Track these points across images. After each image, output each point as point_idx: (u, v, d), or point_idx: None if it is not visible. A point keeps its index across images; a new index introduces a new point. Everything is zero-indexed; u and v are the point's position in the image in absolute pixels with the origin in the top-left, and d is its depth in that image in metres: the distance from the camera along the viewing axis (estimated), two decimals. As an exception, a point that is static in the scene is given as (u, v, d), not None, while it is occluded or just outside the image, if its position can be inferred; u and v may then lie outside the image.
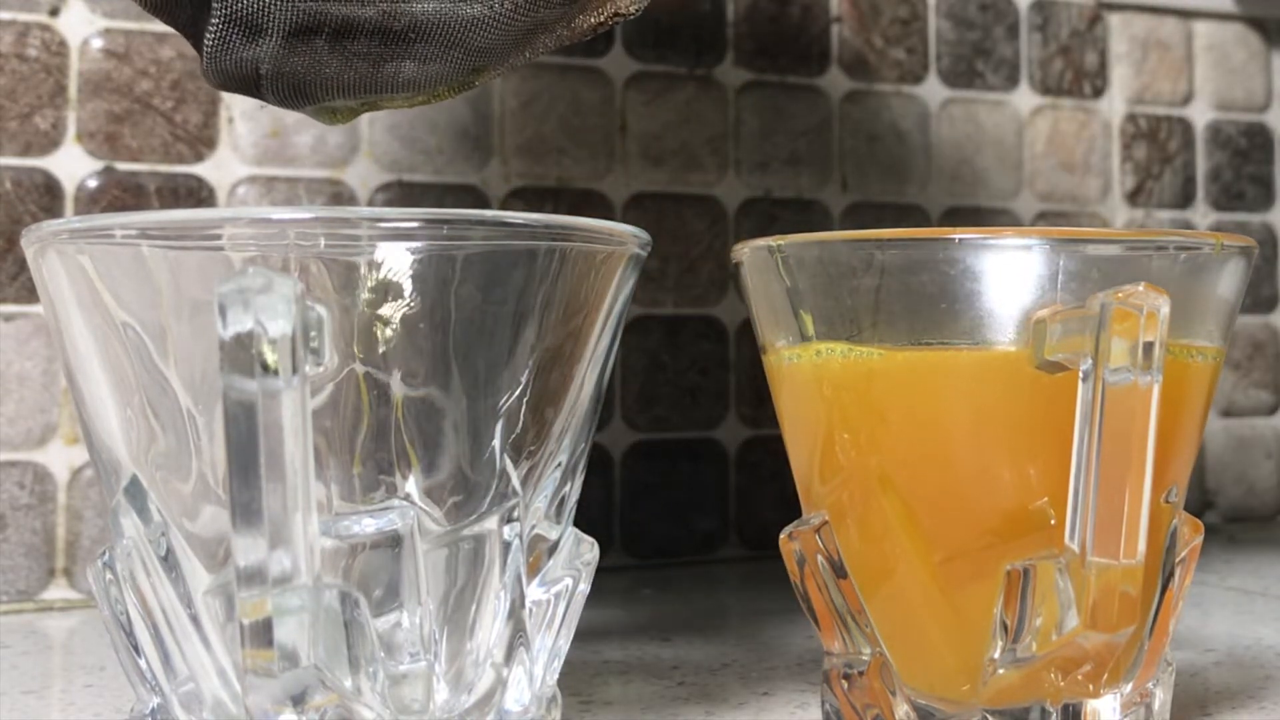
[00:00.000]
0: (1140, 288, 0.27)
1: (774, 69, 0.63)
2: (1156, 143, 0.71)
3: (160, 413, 0.27)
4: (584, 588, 0.30)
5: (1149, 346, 0.27)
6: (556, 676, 0.30)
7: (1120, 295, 0.27)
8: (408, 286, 0.26)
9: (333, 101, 0.32)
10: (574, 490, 0.30)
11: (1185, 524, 0.31)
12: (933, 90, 0.66)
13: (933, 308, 0.29)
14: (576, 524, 0.30)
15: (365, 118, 0.55)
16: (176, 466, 0.27)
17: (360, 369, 0.26)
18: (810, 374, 0.31)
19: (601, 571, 0.31)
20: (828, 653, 0.32)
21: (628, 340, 0.59)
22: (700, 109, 0.62)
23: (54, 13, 0.52)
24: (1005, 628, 0.29)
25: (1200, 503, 0.71)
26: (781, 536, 0.32)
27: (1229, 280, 0.31)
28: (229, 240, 0.26)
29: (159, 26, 0.53)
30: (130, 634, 0.28)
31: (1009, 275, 0.29)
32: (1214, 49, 0.73)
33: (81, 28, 0.52)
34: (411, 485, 0.27)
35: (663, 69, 0.61)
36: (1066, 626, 0.28)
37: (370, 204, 0.55)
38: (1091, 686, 0.29)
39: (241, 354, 0.23)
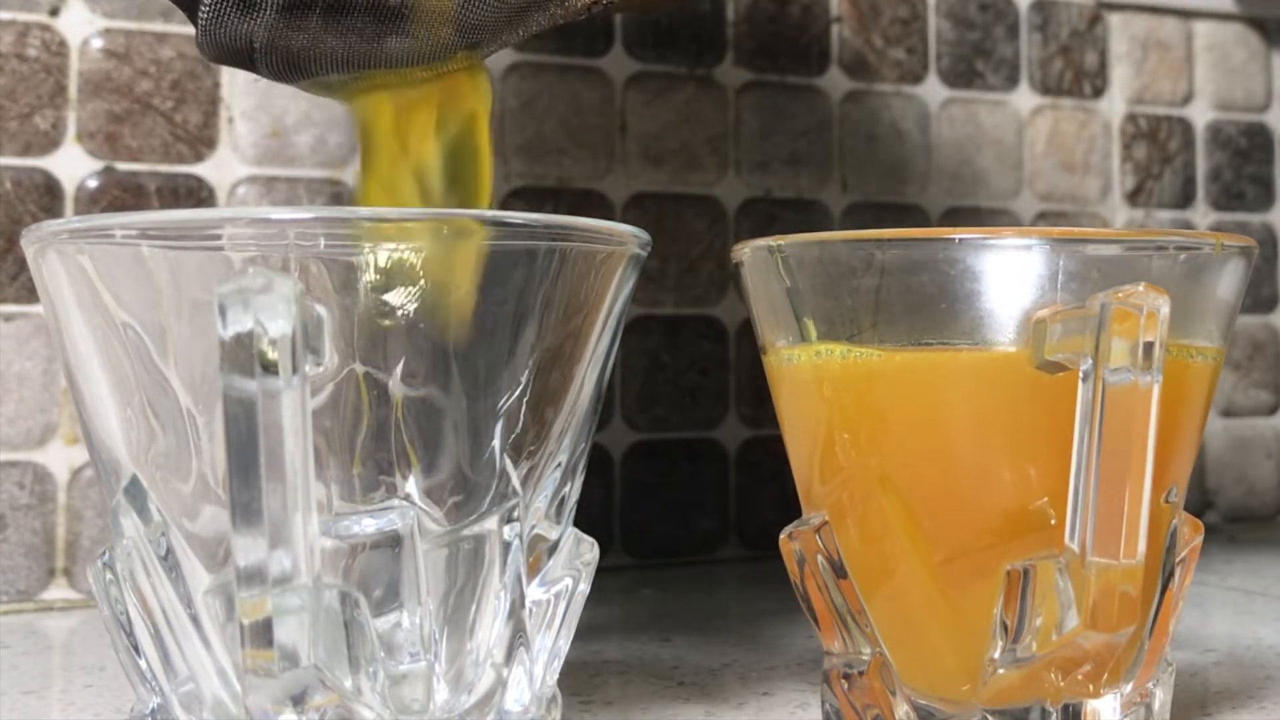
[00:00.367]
0: (1140, 288, 0.27)
1: (774, 69, 0.63)
2: (1156, 143, 0.71)
3: (160, 413, 0.27)
4: (584, 588, 0.30)
5: (1149, 346, 0.27)
6: (556, 676, 0.30)
7: (1120, 295, 0.27)
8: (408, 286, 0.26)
9: (326, 76, 0.32)
10: (574, 490, 0.30)
11: (1185, 524, 0.31)
12: (933, 90, 0.66)
13: (933, 308, 0.29)
14: (576, 524, 0.30)
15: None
16: (176, 466, 0.27)
17: (360, 369, 0.26)
18: (810, 374, 0.31)
19: (601, 571, 0.31)
20: (828, 653, 0.32)
21: (628, 340, 0.59)
22: (700, 109, 0.62)
23: (54, 13, 0.52)
24: (1005, 628, 0.29)
25: (1200, 503, 0.71)
26: (781, 536, 0.32)
27: (1229, 280, 0.31)
28: (229, 240, 0.26)
29: (159, 26, 0.53)
30: (130, 634, 0.28)
31: (1009, 275, 0.29)
32: (1214, 49, 0.73)
33: (81, 28, 0.52)
34: (411, 485, 0.27)
35: (663, 69, 0.61)
36: (1066, 626, 0.28)
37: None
38: (1091, 686, 0.29)
39: (241, 354, 0.23)
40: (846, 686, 0.31)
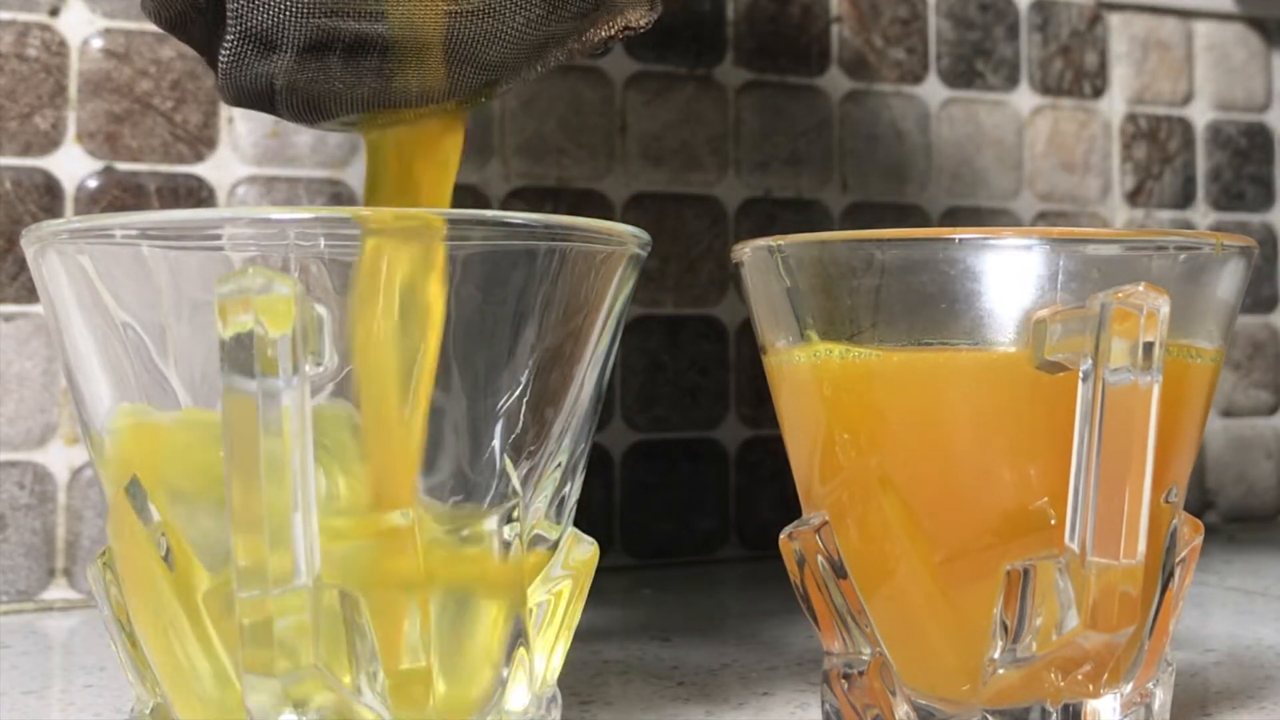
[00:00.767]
0: (1140, 288, 0.27)
1: (774, 69, 0.63)
2: (1156, 143, 0.71)
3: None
4: (584, 588, 0.30)
5: (1149, 346, 0.27)
6: (556, 676, 0.30)
7: (1120, 295, 0.27)
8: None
9: (345, 116, 0.32)
10: (574, 490, 0.30)
11: (1185, 524, 0.31)
12: (933, 90, 0.66)
13: (933, 308, 0.29)
14: (576, 524, 0.30)
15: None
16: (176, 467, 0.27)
17: (363, 367, 0.26)
18: (810, 374, 0.31)
19: (601, 571, 0.31)
20: (828, 653, 0.32)
21: (628, 340, 0.59)
22: (700, 109, 0.62)
23: (54, 13, 0.52)
24: (1005, 628, 0.29)
25: (1200, 503, 0.71)
26: (781, 536, 0.32)
27: (1229, 280, 0.31)
28: (229, 240, 0.26)
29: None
30: (130, 634, 0.28)
31: (1009, 275, 0.29)
32: (1214, 49, 0.73)
33: (81, 28, 0.52)
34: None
35: (663, 69, 0.61)
36: (1066, 626, 0.28)
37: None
38: (1091, 686, 0.29)
39: (241, 354, 0.23)
40: (846, 686, 0.31)
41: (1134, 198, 0.71)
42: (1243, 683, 0.38)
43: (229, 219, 0.26)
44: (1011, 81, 0.68)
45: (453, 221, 0.26)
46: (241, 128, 0.54)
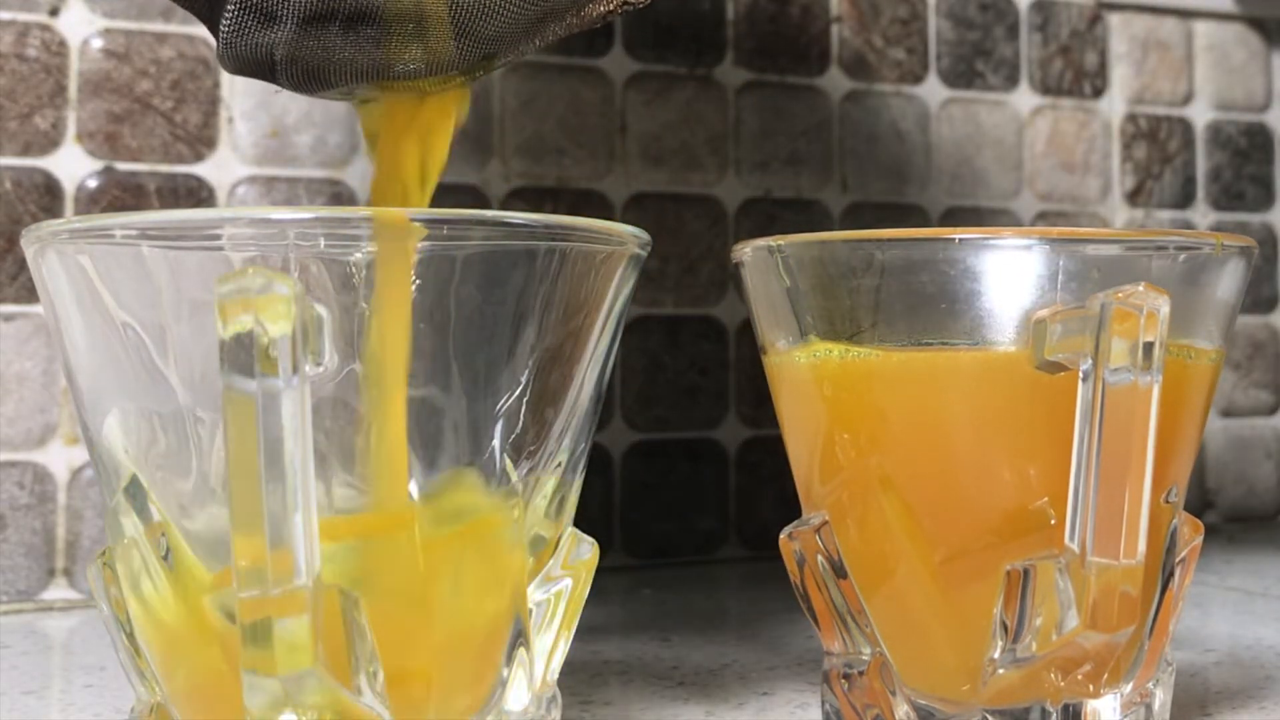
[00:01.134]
0: (1140, 288, 0.27)
1: (774, 69, 0.63)
2: (1156, 143, 0.71)
3: (160, 413, 0.27)
4: (584, 588, 0.30)
5: (1149, 346, 0.27)
6: (556, 676, 0.30)
7: (1120, 295, 0.27)
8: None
9: (345, 86, 0.32)
10: (574, 490, 0.30)
11: (1185, 524, 0.31)
12: (933, 90, 0.66)
13: (933, 308, 0.29)
14: (576, 524, 0.30)
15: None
16: (176, 466, 0.27)
17: (360, 369, 0.26)
18: (810, 374, 0.31)
19: (601, 571, 0.31)
20: (828, 653, 0.32)
21: (628, 340, 0.59)
22: (700, 109, 0.62)
23: (54, 13, 0.52)
24: (1005, 628, 0.29)
25: (1200, 503, 0.71)
26: (781, 536, 0.32)
27: (1229, 280, 0.31)
28: (229, 240, 0.26)
29: (159, 26, 0.53)
30: (130, 634, 0.28)
31: (1009, 275, 0.29)
32: (1214, 49, 0.73)
33: (81, 28, 0.52)
34: (412, 485, 0.27)
35: (663, 69, 0.61)
36: (1066, 626, 0.28)
37: (370, 204, 0.55)
38: (1091, 686, 0.29)
39: (241, 354, 0.23)
40: (846, 686, 0.31)
41: (1134, 198, 0.71)
42: (1243, 683, 0.38)
43: (229, 219, 0.26)
44: (1011, 81, 0.68)
45: (453, 222, 0.26)
46: (241, 128, 0.54)
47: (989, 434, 0.29)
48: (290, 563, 0.23)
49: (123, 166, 0.52)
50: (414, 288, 0.26)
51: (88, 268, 0.26)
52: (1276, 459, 0.73)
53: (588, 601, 0.30)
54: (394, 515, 0.27)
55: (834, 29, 0.64)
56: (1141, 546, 0.27)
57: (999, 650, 0.29)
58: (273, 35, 0.30)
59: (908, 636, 0.30)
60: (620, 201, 0.60)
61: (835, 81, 0.64)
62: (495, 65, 0.33)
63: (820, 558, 0.31)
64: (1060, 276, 0.29)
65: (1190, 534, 0.31)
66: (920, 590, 0.30)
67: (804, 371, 0.31)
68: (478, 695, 0.28)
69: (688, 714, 0.35)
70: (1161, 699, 0.31)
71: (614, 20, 0.32)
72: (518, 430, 0.28)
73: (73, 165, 0.52)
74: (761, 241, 0.32)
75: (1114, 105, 0.70)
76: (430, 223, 0.26)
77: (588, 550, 0.30)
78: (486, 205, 0.58)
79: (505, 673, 0.28)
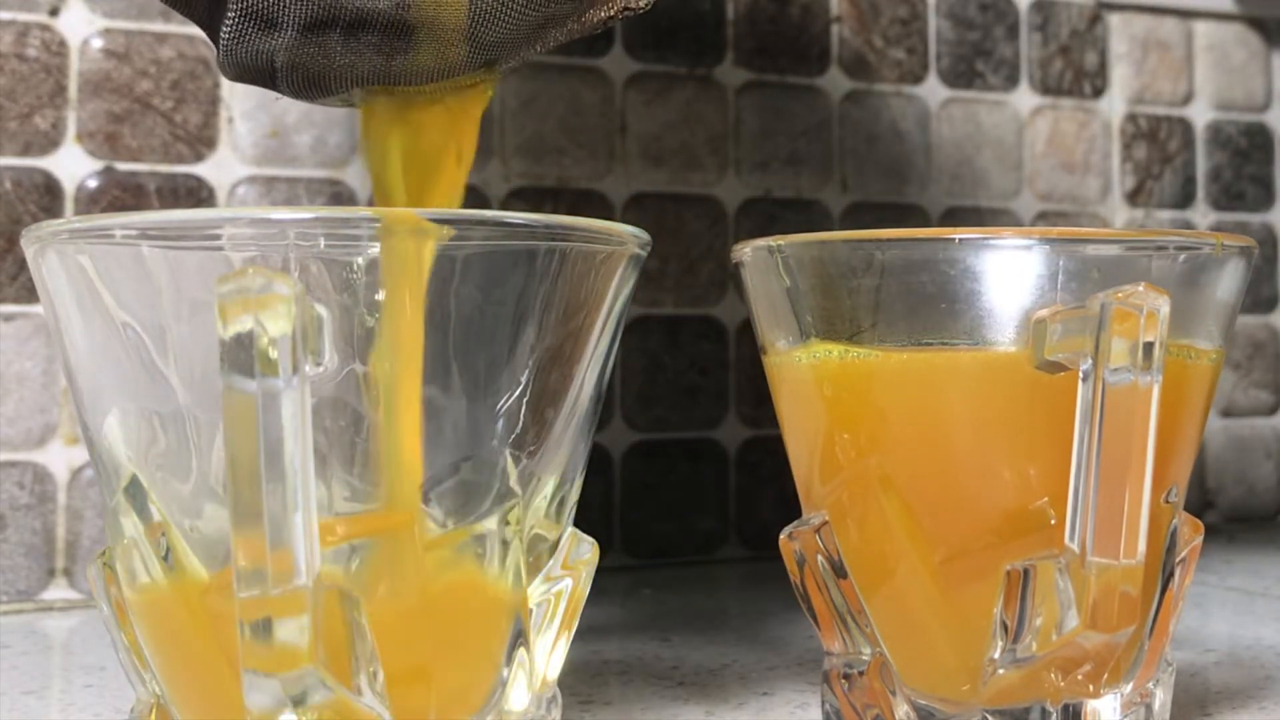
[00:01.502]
0: (1140, 288, 0.27)
1: (774, 69, 0.63)
2: (1156, 143, 0.71)
3: (160, 413, 0.27)
4: (584, 588, 0.30)
5: (1149, 346, 0.27)
6: (556, 676, 0.30)
7: (1120, 295, 0.27)
8: (408, 286, 0.26)
9: (346, 93, 0.32)
10: (574, 490, 0.30)
11: (1185, 524, 0.31)
12: (933, 90, 0.66)
13: (933, 308, 0.29)
14: (576, 524, 0.30)
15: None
16: (176, 466, 0.27)
17: (360, 369, 0.26)
18: (810, 374, 0.31)
19: (601, 571, 0.31)
20: (828, 653, 0.32)
21: (628, 340, 0.59)
22: (700, 109, 0.62)
23: (54, 13, 0.52)
24: (1005, 628, 0.29)
25: (1200, 503, 0.71)
26: (781, 536, 0.32)
27: (1229, 280, 0.31)
28: (229, 240, 0.26)
29: (159, 26, 0.53)
30: (130, 634, 0.28)
31: (1009, 275, 0.29)
32: (1214, 49, 0.73)
33: (81, 28, 0.52)
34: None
35: (663, 69, 0.61)
36: (1066, 626, 0.28)
37: (370, 204, 0.55)
38: (1091, 686, 0.29)
39: (241, 354, 0.23)
40: (846, 686, 0.31)
41: (1134, 198, 0.71)
42: (1243, 683, 0.38)
43: (229, 219, 0.26)
44: (1011, 81, 0.68)
45: (453, 222, 0.26)
46: (241, 128, 0.54)
47: (989, 434, 0.29)
48: (290, 563, 0.23)
49: (123, 166, 0.52)
50: (426, 288, 0.26)
51: (88, 268, 0.26)
52: (1276, 459, 0.73)
53: (588, 601, 0.30)
54: (394, 515, 0.27)
55: (834, 29, 0.64)
56: (1141, 546, 0.27)
57: (999, 650, 0.29)
58: (273, 42, 0.30)
59: (908, 636, 0.30)
60: (620, 201, 0.60)
61: (835, 81, 0.64)
62: (497, 71, 0.33)
63: (820, 558, 0.31)
64: (1060, 276, 0.29)
65: (1190, 534, 0.31)
66: (920, 590, 0.30)
67: (804, 371, 0.31)
68: (478, 695, 0.28)
69: (688, 714, 0.35)
70: (1161, 699, 0.31)
71: (612, 26, 0.32)
72: (518, 430, 0.28)
73: (73, 165, 0.52)
74: (761, 241, 0.32)
75: (1114, 105, 0.70)
76: (431, 223, 0.26)
77: (588, 550, 0.30)
78: (486, 205, 0.58)
79: (505, 673, 0.28)
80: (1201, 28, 0.73)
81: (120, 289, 0.26)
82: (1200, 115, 0.72)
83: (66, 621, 0.48)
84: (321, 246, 0.26)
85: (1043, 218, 0.68)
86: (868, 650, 0.31)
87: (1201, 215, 0.72)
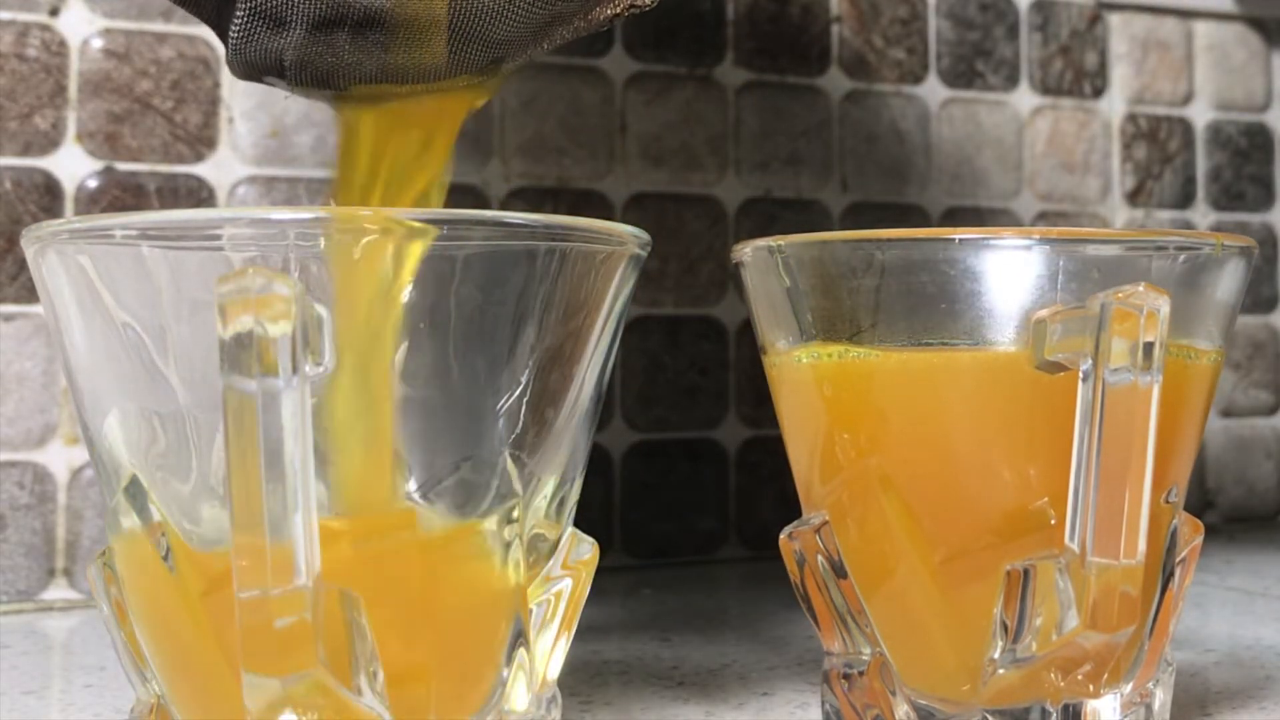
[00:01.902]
0: (1140, 288, 0.27)
1: (774, 69, 0.63)
2: (1156, 143, 0.71)
3: (160, 413, 0.27)
4: (584, 588, 0.30)
5: (1149, 346, 0.27)
6: (556, 676, 0.30)
7: (1120, 295, 0.27)
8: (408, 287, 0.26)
9: (353, 89, 0.32)
10: (574, 490, 0.30)
11: (1185, 524, 0.31)
12: (933, 90, 0.66)
13: (933, 308, 0.29)
14: (576, 524, 0.30)
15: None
16: (176, 466, 0.27)
17: (347, 369, 0.26)
18: (810, 374, 0.31)
19: (601, 571, 0.31)
20: (828, 653, 0.32)
21: (628, 340, 0.59)
22: (700, 109, 0.62)
23: (54, 13, 0.52)
24: (1005, 628, 0.29)
25: (1200, 503, 0.71)
26: (781, 536, 0.32)
27: (1229, 280, 0.31)
28: (229, 240, 0.26)
29: (159, 26, 0.53)
30: (130, 634, 0.28)
31: (1009, 275, 0.29)
32: (1214, 49, 0.73)
33: (81, 28, 0.52)
34: (412, 485, 0.27)
35: (663, 69, 0.61)
36: (1066, 626, 0.28)
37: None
38: (1091, 686, 0.29)
39: (241, 354, 0.23)
40: (846, 686, 0.31)
41: (1134, 198, 0.71)
42: (1243, 683, 0.38)
43: (229, 219, 0.26)
44: (1011, 81, 0.68)
45: (453, 222, 0.26)
46: (241, 128, 0.54)
47: (989, 434, 0.29)
48: (290, 563, 0.23)
49: (123, 166, 0.52)
50: (410, 288, 0.26)
51: (88, 268, 0.26)
52: (1276, 459, 0.73)
53: (588, 601, 0.30)
54: (395, 516, 0.27)
55: (834, 29, 0.64)
56: (1141, 546, 0.27)
57: (999, 650, 0.29)
58: (282, 40, 0.30)
59: (908, 636, 0.30)
60: (620, 201, 0.60)
61: (835, 81, 0.64)
62: (503, 69, 0.33)
63: (820, 558, 0.31)
64: (1060, 276, 0.29)
65: (1190, 534, 0.31)
66: (920, 590, 0.30)
67: (804, 371, 0.31)
68: (478, 695, 0.28)
69: (688, 714, 0.35)
70: (1161, 699, 0.31)
71: (619, 23, 0.32)
72: (518, 430, 0.28)
73: (73, 165, 0.52)
74: (761, 241, 0.32)
75: (1114, 105, 0.70)
76: (430, 223, 0.26)
77: (588, 550, 0.30)
78: (486, 205, 0.58)
79: (505, 673, 0.28)
80: (1201, 28, 0.73)
81: (120, 289, 0.26)
82: (1200, 115, 0.72)
83: (66, 621, 0.48)
84: (321, 246, 0.26)
85: (1043, 218, 0.68)
86: (868, 650, 0.31)
87: (1201, 215, 0.72)
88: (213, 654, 0.26)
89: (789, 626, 0.45)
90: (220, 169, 0.54)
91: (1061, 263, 0.29)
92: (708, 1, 0.62)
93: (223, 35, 0.32)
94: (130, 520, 0.27)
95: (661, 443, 0.60)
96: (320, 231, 0.26)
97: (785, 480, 0.34)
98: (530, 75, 0.59)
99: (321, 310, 0.24)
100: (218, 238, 0.26)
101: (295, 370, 0.23)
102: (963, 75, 0.67)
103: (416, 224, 0.26)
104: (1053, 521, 0.29)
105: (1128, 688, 0.30)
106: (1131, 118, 0.71)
